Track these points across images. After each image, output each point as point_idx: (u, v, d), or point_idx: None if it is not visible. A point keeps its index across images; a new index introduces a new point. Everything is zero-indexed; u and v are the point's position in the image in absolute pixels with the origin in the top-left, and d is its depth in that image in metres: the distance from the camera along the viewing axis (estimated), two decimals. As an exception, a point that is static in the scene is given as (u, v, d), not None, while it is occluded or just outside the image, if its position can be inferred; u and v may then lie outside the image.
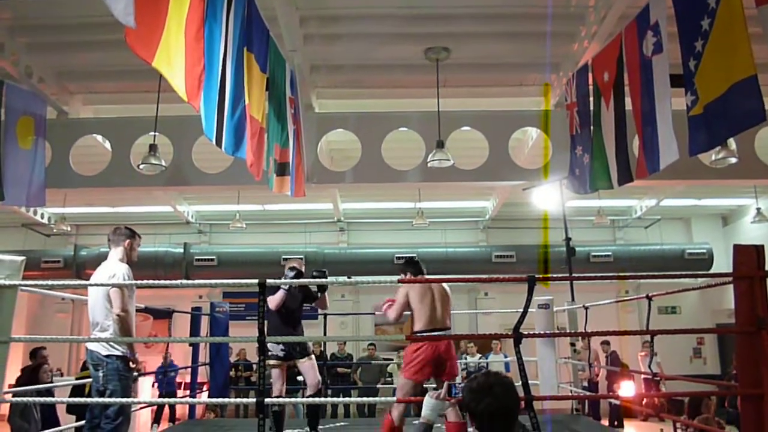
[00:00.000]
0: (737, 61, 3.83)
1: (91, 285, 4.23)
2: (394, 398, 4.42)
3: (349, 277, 5.10)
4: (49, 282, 4.50)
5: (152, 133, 7.10)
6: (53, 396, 6.71)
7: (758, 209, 11.40)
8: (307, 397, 5.23)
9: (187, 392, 9.66)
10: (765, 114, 3.76)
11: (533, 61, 8.13)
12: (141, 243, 4.57)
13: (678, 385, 9.82)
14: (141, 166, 7.05)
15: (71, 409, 7.10)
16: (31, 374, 7.07)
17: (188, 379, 9.39)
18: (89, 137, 8.60)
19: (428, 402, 2.75)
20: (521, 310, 3.82)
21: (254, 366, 11.74)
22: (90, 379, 4.41)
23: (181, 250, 13.00)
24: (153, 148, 6.90)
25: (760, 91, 3.72)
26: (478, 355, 11.45)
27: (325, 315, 7.58)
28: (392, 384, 11.05)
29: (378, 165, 8.31)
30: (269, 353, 5.10)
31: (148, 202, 12.27)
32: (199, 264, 12.86)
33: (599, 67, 6.28)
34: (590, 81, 6.56)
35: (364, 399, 10.30)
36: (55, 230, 12.81)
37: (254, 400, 3.68)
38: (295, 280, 4.93)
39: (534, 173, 8.44)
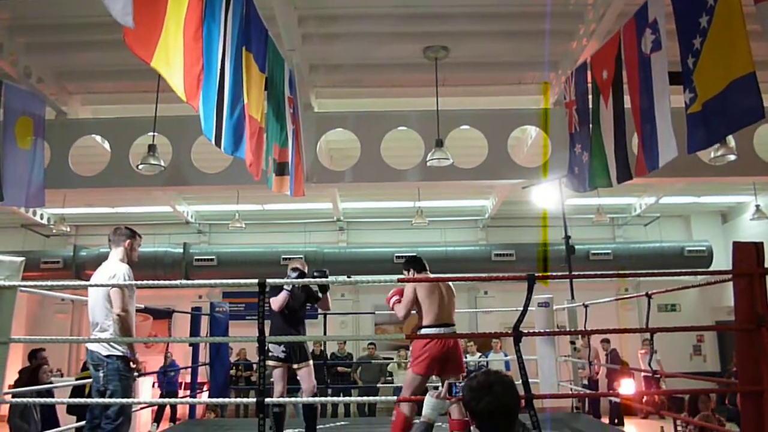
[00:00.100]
0: (736, 59, 3.83)
1: (91, 285, 4.23)
2: (394, 397, 4.43)
3: (348, 277, 5.11)
4: (49, 282, 4.51)
5: (151, 133, 7.09)
6: (53, 397, 6.70)
7: (757, 206, 11.41)
8: (306, 404, 5.24)
9: (188, 392, 9.66)
10: (764, 111, 3.76)
11: (532, 60, 8.13)
12: (141, 243, 4.57)
13: (678, 383, 9.83)
14: (140, 167, 7.05)
15: (72, 409, 7.10)
16: (30, 375, 7.06)
17: (188, 379, 9.39)
18: (88, 137, 8.60)
19: (429, 401, 2.75)
20: (521, 308, 3.82)
21: (254, 366, 11.74)
22: (90, 380, 4.41)
23: (181, 250, 13.01)
24: (152, 148, 6.89)
25: (759, 89, 3.72)
26: (478, 354, 11.45)
27: (325, 314, 7.58)
28: (392, 383, 11.06)
29: (377, 164, 8.31)
30: (270, 354, 5.11)
31: (147, 202, 12.27)
32: (199, 264, 12.86)
33: (598, 65, 6.28)
34: (589, 79, 6.56)
35: (365, 398, 10.29)
36: (54, 231, 12.81)
37: (254, 400, 3.68)
38: (296, 280, 4.93)
39: (533, 172, 8.44)
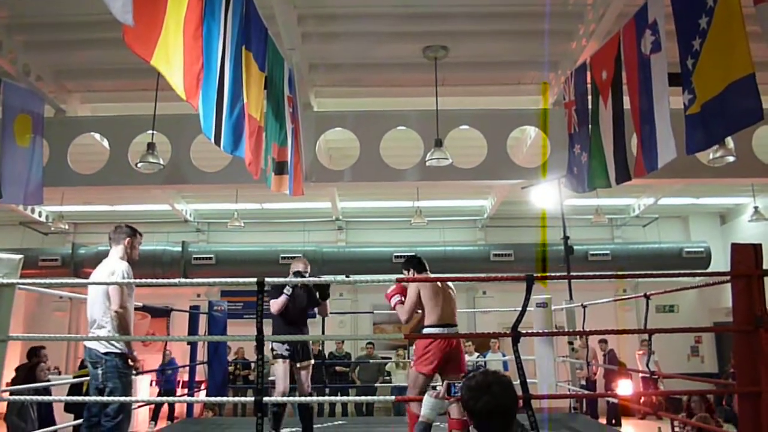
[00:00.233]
0: (735, 60, 3.83)
1: (88, 283, 4.23)
2: (392, 397, 4.43)
3: (347, 276, 5.11)
4: (47, 280, 4.50)
5: (150, 132, 7.08)
6: (50, 395, 6.70)
7: (756, 208, 11.42)
8: (300, 409, 5.24)
9: (186, 391, 9.66)
10: (763, 113, 3.76)
11: (531, 60, 8.14)
12: (142, 241, 4.56)
13: (676, 384, 9.84)
14: (139, 165, 7.04)
15: (69, 407, 7.10)
16: (28, 373, 7.06)
17: (187, 378, 9.40)
18: (87, 135, 8.58)
19: (428, 401, 2.75)
20: (519, 308, 3.83)
21: (252, 364, 11.75)
22: (88, 378, 4.41)
23: (180, 249, 13.00)
24: (151, 146, 6.89)
25: (758, 90, 3.72)
26: (476, 354, 11.46)
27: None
28: (390, 383, 11.06)
29: (376, 164, 8.31)
30: (274, 352, 5.11)
31: (146, 200, 12.26)
32: (197, 263, 12.85)
33: (597, 66, 6.28)
34: (588, 79, 6.56)
35: (363, 398, 10.31)
36: (52, 228, 12.80)
37: (252, 399, 3.67)
38: (298, 280, 4.93)
39: (532, 172, 8.44)
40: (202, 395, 8.64)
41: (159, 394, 11.11)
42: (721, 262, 12.60)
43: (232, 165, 7.91)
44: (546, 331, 6.90)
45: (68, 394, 6.61)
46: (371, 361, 11.46)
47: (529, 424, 3.53)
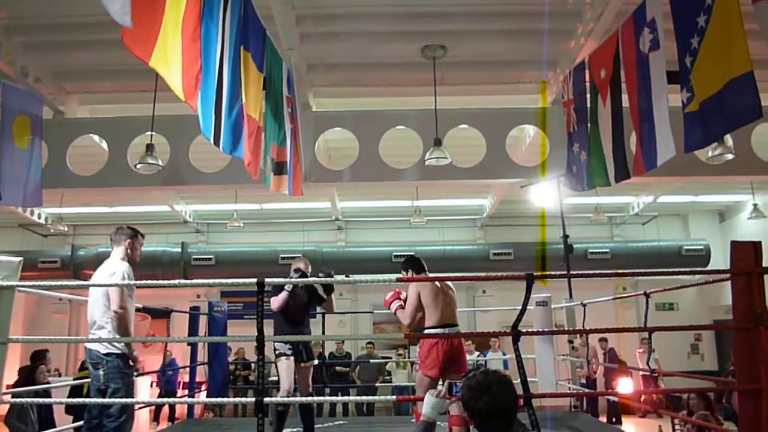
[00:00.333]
0: (733, 58, 3.84)
1: (88, 285, 4.23)
2: (393, 397, 4.44)
3: (347, 276, 5.11)
4: (47, 282, 4.48)
5: (149, 133, 7.09)
6: (51, 397, 6.70)
7: (755, 205, 11.42)
8: (301, 409, 5.24)
9: (187, 391, 9.66)
10: (761, 110, 3.77)
11: (530, 59, 8.14)
12: (143, 242, 4.55)
13: (676, 382, 9.85)
14: (138, 166, 7.04)
15: (70, 409, 7.10)
16: (28, 375, 7.05)
17: (187, 379, 9.39)
18: (86, 137, 8.58)
19: (429, 400, 2.75)
20: (519, 307, 3.83)
21: (253, 365, 11.74)
22: (88, 380, 4.40)
23: (179, 250, 13.00)
24: (150, 147, 6.89)
25: (757, 88, 3.72)
26: (476, 353, 11.46)
27: (324, 313, 7.58)
28: (391, 383, 11.07)
29: (375, 163, 8.31)
30: (277, 351, 5.09)
31: (145, 201, 12.26)
32: (197, 263, 12.85)
33: (596, 65, 6.28)
34: (587, 78, 6.57)
35: (363, 398, 10.30)
36: (52, 230, 12.79)
37: (253, 399, 3.67)
38: (299, 280, 4.92)
39: (531, 171, 8.44)
40: (202, 396, 8.64)
41: (160, 395, 11.10)
42: (720, 259, 12.60)
43: (231, 165, 7.90)
44: (546, 329, 6.90)
45: (69, 396, 6.61)
46: (371, 360, 11.46)
47: (529, 422, 3.54)
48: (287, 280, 4.87)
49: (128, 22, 2.80)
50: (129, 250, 4.39)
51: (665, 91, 4.81)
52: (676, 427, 6.80)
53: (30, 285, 4.37)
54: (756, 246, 3.64)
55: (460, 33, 7.56)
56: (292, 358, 5.10)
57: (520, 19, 7.36)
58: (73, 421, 6.03)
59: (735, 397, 5.49)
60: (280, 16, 6.75)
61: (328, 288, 5.35)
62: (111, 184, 8.38)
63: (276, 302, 5.04)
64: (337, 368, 11.38)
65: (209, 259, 12.89)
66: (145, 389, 10.92)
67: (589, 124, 6.56)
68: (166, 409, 11.53)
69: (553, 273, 8.58)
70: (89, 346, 4.16)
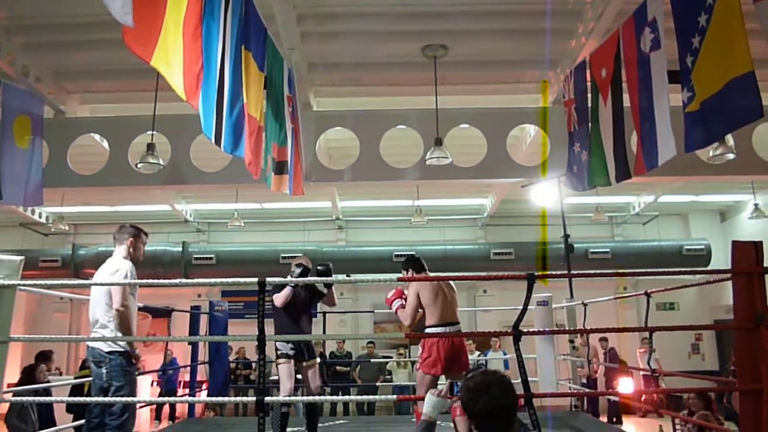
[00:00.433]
0: (734, 58, 3.83)
1: (90, 284, 4.23)
2: (394, 396, 4.44)
3: (348, 276, 5.10)
4: (48, 282, 4.50)
5: (150, 132, 7.09)
6: (51, 396, 6.70)
7: (756, 205, 11.41)
8: (306, 402, 5.21)
9: (187, 390, 9.67)
10: (762, 110, 3.76)
11: (531, 58, 8.14)
12: (147, 241, 4.55)
13: (676, 381, 9.85)
14: (139, 165, 7.04)
15: (71, 408, 7.10)
16: (28, 374, 7.06)
17: (188, 378, 9.40)
18: (87, 136, 8.58)
19: (430, 399, 2.74)
20: (520, 307, 3.83)
21: (253, 364, 11.75)
22: (88, 379, 4.41)
23: (180, 249, 13.00)
24: (151, 147, 6.89)
25: (758, 87, 3.72)
26: (477, 353, 11.46)
27: (324, 313, 7.59)
28: (391, 382, 11.07)
29: (376, 163, 8.31)
30: (279, 352, 5.07)
31: (146, 201, 12.26)
32: (198, 263, 12.85)
33: (597, 64, 6.27)
34: (588, 78, 6.55)
35: (364, 397, 10.31)
36: (53, 229, 12.81)
37: (254, 399, 3.67)
38: (300, 279, 4.91)
39: (532, 170, 8.44)
40: (203, 395, 8.65)
41: (160, 394, 11.11)
42: (721, 259, 12.60)
43: (232, 165, 7.91)
44: (547, 329, 6.90)
45: (70, 395, 6.62)
46: (372, 360, 11.47)
47: (530, 422, 3.54)
48: (289, 279, 4.86)
49: (129, 21, 2.80)
50: (131, 249, 4.38)
51: (666, 91, 4.80)
52: (677, 427, 6.81)
53: (31, 284, 4.38)
54: (757, 246, 3.64)
55: (461, 32, 7.55)
56: (292, 361, 5.09)
57: (520, 18, 7.36)
58: (73, 420, 6.03)
59: (735, 397, 5.48)
60: (281, 16, 6.76)
61: (327, 283, 5.34)
62: (112, 184, 8.39)
63: (280, 298, 5.01)
64: (338, 368, 11.38)
65: (210, 258, 12.89)
66: (146, 388, 10.93)
67: (590, 124, 6.55)
68: (167, 408, 11.54)
69: (554, 273, 8.57)
70: (92, 344, 4.16)
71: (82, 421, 4.33)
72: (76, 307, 13.73)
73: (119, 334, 4.07)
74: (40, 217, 12.68)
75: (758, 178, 9.49)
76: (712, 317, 13.46)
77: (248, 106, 4.83)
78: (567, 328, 7.47)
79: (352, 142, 8.52)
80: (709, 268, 12.11)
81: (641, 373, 11.02)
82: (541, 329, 6.82)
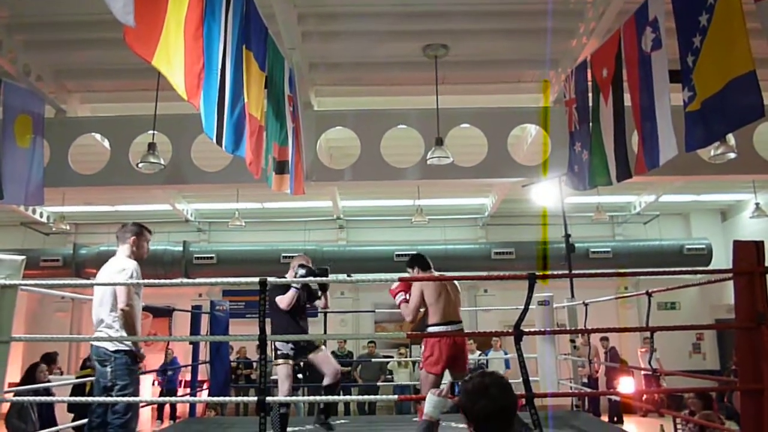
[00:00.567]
0: (736, 57, 3.82)
1: (91, 284, 4.23)
2: (395, 396, 4.45)
3: (348, 275, 5.10)
4: (50, 281, 4.50)
5: (151, 132, 7.08)
6: (51, 396, 6.71)
7: (757, 204, 11.40)
8: (326, 386, 5.15)
9: (188, 390, 9.67)
10: (764, 109, 3.76)
11: (532, 58, 8.13)
12: (150, 239, 4.53)
13: (678, 381, 9.84)
14: (140, 165, 7.04)
15: (72, 407, 7.11)
16: (28, 374, 7.07)
17: (189, 377, 9.40)
18: (88, 136, 8.58)
19: (430, 399, 2.74)
20: (521, 306, 3.83)
21: (254, 364, 11.75)
22: (90, 378, 4.41)
23: (181, 249, 13.01)
24: (152, 146, 6.89)
25: (759, 87, 3.71)
26: (478, 352, 11.46)
27: (325, 313, 7.58)
28: (392, 381, 11.07)
29: (377, 163, 8.31)
30: (279, 352, 5.05)
31: (147, 200, 12.27)
32: (199, 262, 12.86)
33: (598, 64, 6.27)
34: (589, 77, 6.55)
35: (365, 397, 10.32)
36: (54, 229, 12.81)
37: (255, 398, 3.67)
38: (304, 279, 4.90)
39: (533, 170, 8.44)
40: (204, 395, 8.66)
41: (161, 394, 11.12)
42: (722, 258, 12.59)
43: (233, 165, 7.91)
44: (548, 329, 6.89)
45: (71, 395, 6.62)
46: (373, 360, 11.47)
47: (531, 422, 3.54)
48: (292, 279, 4.85)
49: (131, 21, 2.80)
50: (135, 247, 4.37)
51: (667, 90, 4.80)
52: (678, 426, 6.81)
53: (33, 284, 4.38)
54: (758, 245, 3.63)
55: (462, 32, 7.55)
56: (291, 362, 5.07)
57: (521, 18, 7.35)
58: (73, 420, 6.04)
59: (737, 396, 5.48)
60: (281, 15, 6.76)
61: (323, 286, 5.35)
62: (113, 183, 8.39)
63: (285, 300, 4.99)
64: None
65: (211, 258, 12.90)
66: (146, 388, 10.93)
67: (590, 124, 6.54)
68: (168, 408, 11.54)
69: (555, 273, 8.58)
70: (96, 343, 4.15)
71: (83, 421, 4.33)
72: (77, 307, 13.74)
73: (124, 334, 4.07)
74: (41, 216, 12.70)
75: (759, 177, 9.48)
76: (713, 317, 13.46)
77: (249, 105, 4.83)
78: (568, 328, 7.46)
79: (353, 141, 8.52)
80: (710, 267, 12.11)
81: (642, 372, 11.02)
82: (542, 329, 6.81)
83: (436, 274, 5.15)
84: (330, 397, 4.94)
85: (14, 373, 7.16)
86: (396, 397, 6.36)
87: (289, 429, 5.26)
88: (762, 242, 3.64)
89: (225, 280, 8.69)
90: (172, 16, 3.37)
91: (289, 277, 5.18)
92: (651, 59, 4.97)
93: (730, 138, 6.09)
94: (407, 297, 4.80)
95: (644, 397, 9.76)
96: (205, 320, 8.17)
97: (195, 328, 7.97)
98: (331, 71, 8.55)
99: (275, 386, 5.37)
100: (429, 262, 5.05)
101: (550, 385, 6.88)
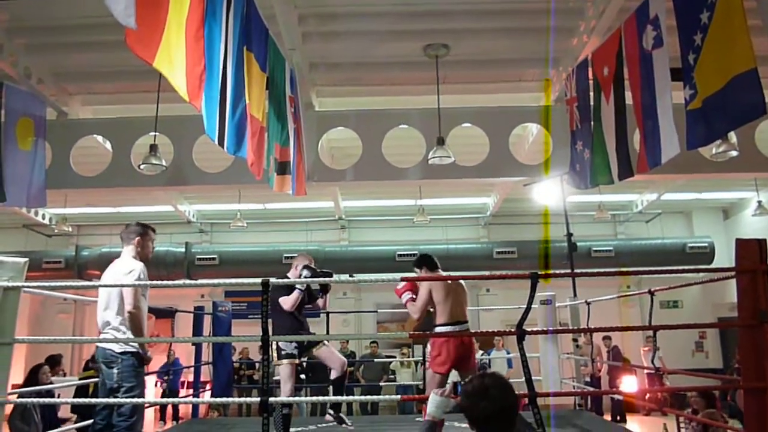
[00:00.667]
0: (737, 55, 3.82)
1: (94, 286, 4.23)
2: (397, 396, 4.45)
3: (351, 275, 5.10)
4: (52, 283, 4.50)
5: (152, 133, 7.09)
6: (54, 397, 6.71)
7: (759, 202, 11.38)
8: (335, 379, 5.14)
9: (191, 391, 9.68)
10: (765, 107, 3.75)
11: (533, 57, 8.13)
12: (155, 238, 4.51)
13: (680, 380, 9.83)
14: (142, 166, 7.05)
15: (76, 408, 7.12)
16: (31, 375, 7.07)
17: (191, 378, 9.41)
18: (89, 138, 8.60)
19: (433, 399, 2.74)
20: (523, 306, 3.82)
21: (257, 364, 11.76)
22: (93, 380, 4.41)
23: (183, 250, 13.01)
24: (153, 148, 6.90)
25: (761, 84, 3.71)
26: (480, 352, 11.44)
27: (328, 313, 7.59)
28: (395, 381, 11.07)
29: (378, 162, 8.31)
30: (283, 352, 5.05)
31: (149, 202, 12.27)
32: (201, 263, 12.87)
33: (599, 62, 6.27)
34: (590, 76, 6.55)
35: (367, 397, 10.32)
36: (56, 231, 12.82)
37: (257, 399, 3.67)
38: (304, 280, 4.90)
39: (535, 169, 8.43)
40: (207, 395, 8.66)
41: (164, 395, 11.12)
42: (724, 257, 12.56)
43: (235, 166, 7.92)
44: (551, 329, 6.89)
45: (74, 396, 6.63)
46: (375, 360, 11.46)
47: (534, 421, 3.54)
48: (294, 280, 4.85)
49: (132, 23, 2.80)
50: (139, 248, 4.35)
51: (669, 89, 4.79)
52: (681, 425, 6.80)
53: (35, 285, 4.38)
54: (761, 243, 3.63)
55: (463, 31, 7.55)
56: (296, 361, 5.06)
57: (522, 17, 7.35)
58: (77, 421, 6.04)
59: (740, 394, 5.47)
60: (282, 16, 6.76)
61: (324, 288, 5.35)
62: (115, 185, 8.41)
63: (289, 302, 4.98)
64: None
65: (213, 259, 12.90)
66: (149, 389, 10.94)
67: (592, 122, 6.54)
68: (169, 409, 11.55)
69: (557, 272, 8.56)
70: (102, 345, 4.14)
71: (87, 422, 4.32)
72: (80, 308, 13.76)
73: (131, 336, 4.06)
74: (43, 218, 12.71)
75: (761, 175, 9.46)
76: (715, 315, 13.43)
77: (250, 106, 4.83)
78: (570, 327, 7.46)
79: (355, 141, 8.52)
80: (713, 265, 12.08)
81: (645, 371, 11.00)
82: (545, 328, 6.80)
83: (443, 274, 5.18)
84: (330, 398, 4.94)
85: (17, 374, 7.16)
86: (399, 397, 6.36)
87: (291, 429, 5.26)
88: (764, 240, 3.64)
89: (227, 281, 8.72)
90: (173, 18, 3.37)
91: (291, 275, 5.18)
92: (652, 57, 4.96)
93: (732, 136, 6.08)
94: (413, 296, 4.80)
95: (647, 396, 9.75)
96: (207, 321, 8.17)
97: (197, 329, 7.97)
98: (331, 71, 8.55)
99: (278, 387, 5.36)
100: (436, 262, 5.05)
101: (552, 384, 6.88)
